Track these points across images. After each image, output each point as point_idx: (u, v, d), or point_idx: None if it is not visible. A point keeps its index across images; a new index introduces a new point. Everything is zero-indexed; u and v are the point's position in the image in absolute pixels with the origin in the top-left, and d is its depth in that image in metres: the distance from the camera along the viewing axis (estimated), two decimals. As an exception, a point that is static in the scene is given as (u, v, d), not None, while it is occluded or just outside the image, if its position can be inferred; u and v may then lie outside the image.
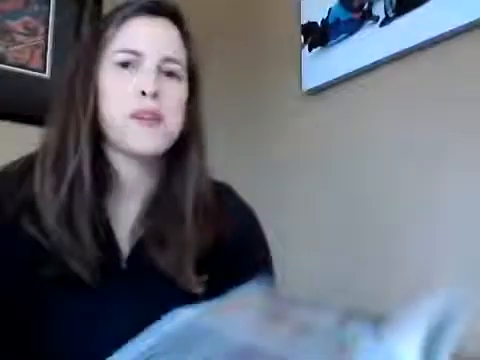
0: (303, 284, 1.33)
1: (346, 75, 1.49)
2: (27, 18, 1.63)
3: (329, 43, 1.54)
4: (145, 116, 0.83)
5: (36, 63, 1.63)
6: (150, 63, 0.84)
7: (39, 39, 1.64)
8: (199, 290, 0.85)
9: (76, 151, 0.83)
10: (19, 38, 1.61)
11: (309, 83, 1.59)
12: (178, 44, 0.89)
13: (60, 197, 0.81)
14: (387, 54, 1.37)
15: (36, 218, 0.81)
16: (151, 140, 0.84)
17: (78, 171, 0.83)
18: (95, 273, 0.81)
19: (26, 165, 0.88)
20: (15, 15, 1.61)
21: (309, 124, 1.61)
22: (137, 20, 0.86)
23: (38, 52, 1.63)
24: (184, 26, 0.91)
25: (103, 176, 0.86)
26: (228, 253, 0.90)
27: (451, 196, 1.23)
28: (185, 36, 0.91)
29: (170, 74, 0.87)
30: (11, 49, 1.60)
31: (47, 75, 1.64)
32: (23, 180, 0.85)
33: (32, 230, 0.81)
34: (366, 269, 1.37)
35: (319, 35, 1.57)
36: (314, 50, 1.58)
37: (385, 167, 1.38)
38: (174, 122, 0.87)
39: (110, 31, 0.86)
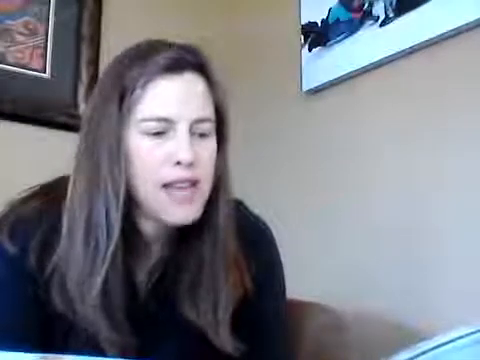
0: (304, 285, 1.33)
1: (346, 75, 1.49)
2: (27, 18, 1.63)
3: (329, 43, 1.54)
4: (181, 185, 0.78)
5: (36, 63, 1.63)
6: (182, 128, 0.78)
7: (39, 39, 1.64)
8: (235, 352, 0.82)
9: (109, 237, 0.76)
10: (19, 38, 1.61)
11: (309, 83, 1.59)
12: (206, 96, 0.82)
13: (94, 288, 0.76)
14: (387, 54, 1.37)
15: (65, 295, 0.77)
16: (188, 212, 0.79)
17: (112, 262, 0.76)
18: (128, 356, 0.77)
19: (49, 208, 0.82)
20: (15, 15, 1.61)
21: (309, 124, 1.61)
22: (164, 81, 0.79)
23: (38, 52, 1.63)
24: (209, 72, 0.83)
25: (128, 235, 0.80)
26: (252, 299, 0.86)
27: (450, 195, 1.23)
28: (211, 82, 0.83)
29: (201, 135, 0.81)
30: (11, 49, 1.60)
31: (47, 75, 1.64)
32: (48, 235, 0.79)
33: (62, 307, 0.77)
34: (365, 269, 1.37)
35: (319, 35, 1.57)
36: (314, 50, 1.58)
37: (385, 167, 1.38)
38: (208, 183, 0.81)
39: (135, 93, 0.78)
